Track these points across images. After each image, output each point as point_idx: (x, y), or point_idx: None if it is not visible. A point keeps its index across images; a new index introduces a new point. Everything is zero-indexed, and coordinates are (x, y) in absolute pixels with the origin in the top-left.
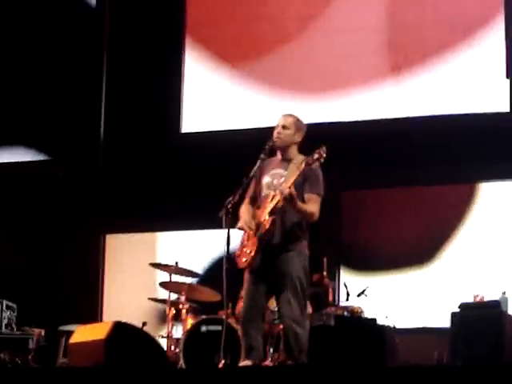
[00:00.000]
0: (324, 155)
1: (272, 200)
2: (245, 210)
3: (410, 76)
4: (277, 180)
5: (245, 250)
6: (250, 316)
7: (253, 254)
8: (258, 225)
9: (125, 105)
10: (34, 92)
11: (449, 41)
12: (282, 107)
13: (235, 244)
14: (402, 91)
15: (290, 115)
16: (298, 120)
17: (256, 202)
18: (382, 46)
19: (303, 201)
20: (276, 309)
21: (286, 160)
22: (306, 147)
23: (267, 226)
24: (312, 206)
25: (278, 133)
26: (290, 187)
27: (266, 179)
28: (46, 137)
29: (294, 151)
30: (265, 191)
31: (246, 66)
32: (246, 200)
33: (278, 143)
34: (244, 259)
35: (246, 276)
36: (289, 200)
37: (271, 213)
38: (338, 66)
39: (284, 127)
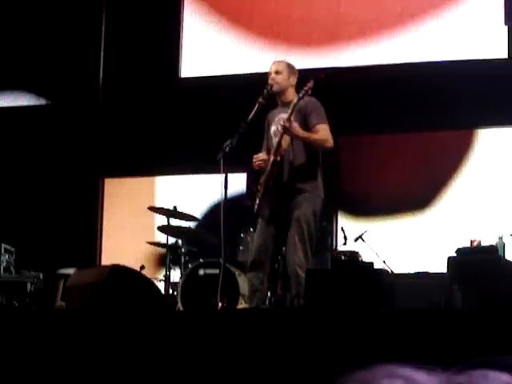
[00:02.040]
0: (311, 87)
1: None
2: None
3: (409, 23)
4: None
5: (258, 194)
6: (259, 259)
7: (258, 199)
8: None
9: (124, 50)
10: (34, 35)
11: None
12: (281, 53)
13: (233, 188)
14: (402, 38)
15: (281, 61)
16: (289, 64)
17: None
18: None
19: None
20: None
21: (286, 104)
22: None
23: (268, 168)
24: (322, 133)
25: (272, 79)
26: (288, 119)
27: (273, 128)
28: (45, 81)
29: (291, 94)
30: (274, 139)
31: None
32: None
33: (274, 88)
34: (256, 204)
35: (259, 220)
36: (288, 129)
37: (274, 154)
38: (336, 13)
39: (277, 72)
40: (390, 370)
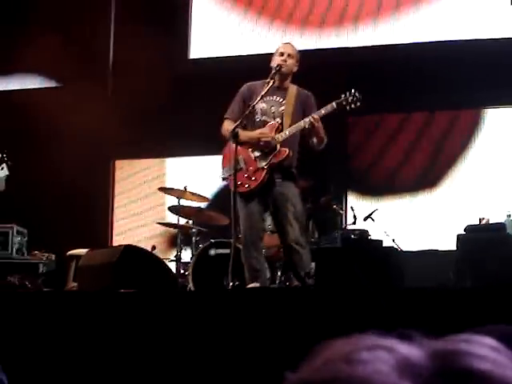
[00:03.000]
0: (359, 96)
1: (278, 129)
2: (241, 131)
3: (416, 3)
4: (275, 108)
5: (245, 175)
6: (251, 238)
7: (259, 181)
8: (267, 150)
9: (134, 31)
10: (43, 18)
11: None
12: (292, 34)
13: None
14: (410, 18)
15: (292, 45)
16: (297, 51)
17: (240, 123)
18: None
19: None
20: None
21: (282, 89)
22: (315, 74)
23: (283, 156)
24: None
25: (284, 60)
26: (315, 120)
27: (260, 105)
28: (56, 64)
29: (289, 80)
30: (260, 117)
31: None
32: (232, 121)
33: (284, 69)
34: (246, 185)
35: (241, 199)
36: (316, 132)
37: (283, 145)
38: None
39: (290, 56)
40: (370, 340)
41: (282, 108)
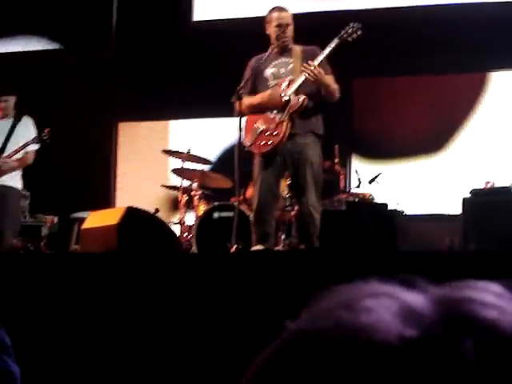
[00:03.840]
0: (358, 25)
1: (290, 84)
2: (250, 98)
3: None
4: (284, 69)
5: (267, 133)
6: (266, 201)
7: (282, 134)
8: (282, 105)
9: None
10: None
11: None
12: None
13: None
14: None
15: (284, 9)
16: (289, 12)
17: (245, 86)
18: None
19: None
20: (288, 195)
21: (287, 51)
22: (322, 36)
23: (298, 103)
24: (334, 84)
25: (285, 32)
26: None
27: (269, 71)
28: (58, 26)
29: (292, 41)
30: (272, 82)
31: None
32: (245, 97)
33: (289, 42)
34: (270, 141)
35: (259, 160)
36: (317, 80)
37: (297, 93)
38: None
39: (288, 24)
40: (372, 287)
41: (290, 66)
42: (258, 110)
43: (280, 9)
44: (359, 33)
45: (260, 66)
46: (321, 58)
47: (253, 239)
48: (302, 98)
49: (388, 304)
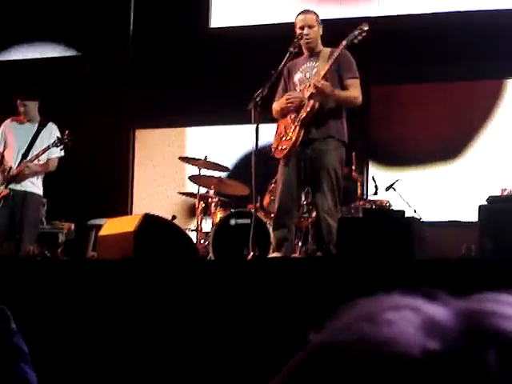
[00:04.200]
0: (365, 29)
1: (308, 88)
2: (278, 103)
3: None
4: (309, 73)
5: (284, 138)
6: (286, 206)
7: (294, 140)
8: (299, 109)
9: (154, 0)
10: None
11: None
12: (311, 3)
13: (264, 138)
14: None
15: (309, 12)
16: (317, 15)
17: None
18: None
19: (342, 88)
20: (305, 202)
21: (315, 54)
22: (337, 43)
23: (308, 109)
24: (353, 90)
25: (307, 34)
26: (322, 78)
27: (297, 76)
28: (76, 32)
29: (319, 45)
30: (299, 87)
31: None
32: (276, 102)
33: (311, 44)
34: (284, 146)
35: (282, 166)
36: (321, 91)
37: (309, 98)
38: None
39: (310, 26)
40: (395, 300)
41: (315, 70)
42: (284, 113)
43: (305, 11)
44: (364, 34)
45: (290, 72)
46: (323, 71)
47: (271, 246)
48: (313, 103)
49: (410, 317)
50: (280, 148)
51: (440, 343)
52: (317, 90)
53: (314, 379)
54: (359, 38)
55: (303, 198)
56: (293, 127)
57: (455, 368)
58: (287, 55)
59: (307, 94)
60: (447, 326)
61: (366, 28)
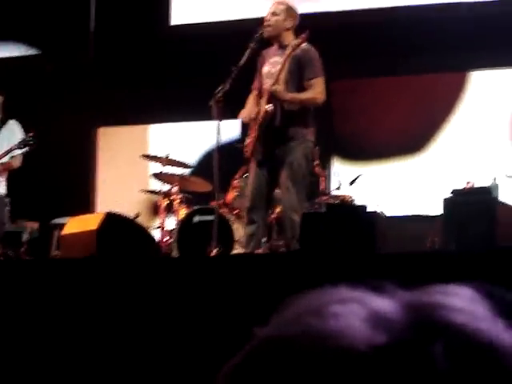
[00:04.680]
0: (306, 38)
1: (266, 93)
2: (249, 101)
3: None
4: (274, 68)
5: (249, 140)
6: (254, 203)
7: (252, 142)
8: (258, 114)
9: None
10: None
11: None
12: None
13: (226, 134)
14: None
15: (282, 2)
16: (289, 6)
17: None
18: None
19: (300, 88)
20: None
21: (283, 47)
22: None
23: (262, 115)
24: (313, 90)
25: (267, 20)
26: (276, 82)
27: (265, 69)
28: (37, 31)
29: (288, 37)
30: (266, 80)
31: None
32: (254, 92)
33: (267, 32)
34: (246, 148)
35: (251, 164)
36: (276, 97)
37: (268, 102)
38: None
39: (273, 14)
40: (341, 292)
41: (278, 68)
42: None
43: (276, 1)
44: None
45: (263, 61)
46: (282, 74)
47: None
48: (269, 108)
49: (356, 310)
50: (246, 149)
51: (386, 336)
52: (272, 96)
53: (258, 372)
54: (307, 46)
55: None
56: (253, 131)
57: (401, 360)
58: (247, 51)
59: (264, 101)
60: (394, 318)
61: (306, 36)
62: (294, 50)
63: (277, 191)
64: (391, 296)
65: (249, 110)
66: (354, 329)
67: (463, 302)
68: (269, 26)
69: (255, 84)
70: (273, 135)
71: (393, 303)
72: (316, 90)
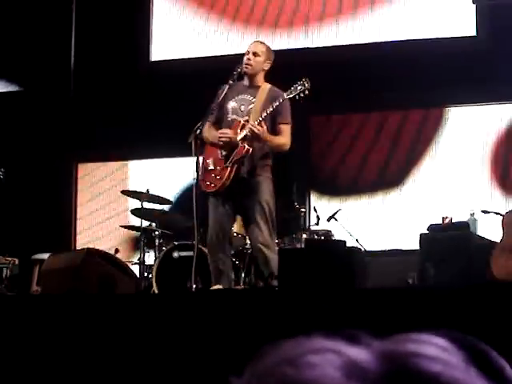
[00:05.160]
0: (307, 86)
1: (243, 129)
2: (210, 131)
3: (377, 2)
4: (244, 106)
5: (212, 174)
6: (217, 240)
7: (224, 179)
8: (232, 148)
9: (95, 34)
10: (3, 22)
11: None
12: (251, 36)
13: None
14: (371, 17)
15: (262, 42)
16: (269, 48)
17: (218, 125)
18: None
19: (274, 132)
20: (246, 234)
21: (254, 87)
22: (277, 74)
23: (243, 152)
24: (284, 137)
25: (249, 59)
26: (259, 124)
27: (231, 104)
28: (17, 68)
29: (261, 78)
30: (231, 116)
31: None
32: (209, 123)
33: (248, 70)
34: (212, 184)
35: (211, 200)
36: (257, 136)
37: (243, 140)
38: None
39: (255, 54)
40: (317, 342)
41: (251, 106)
42: (213, 144)
43: (257, 41)
44: (307, 93)
45: (227, 94)
46: (263, 115)
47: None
48: (246, 148)
49: (332, 359)
50: (208, 183)
51: None
52: (252, 135)
53: None
54: (301, 95)
55: (244, 231)
56: (223, 166)
57: None
58: (226, 87)
59: (241, 135)
60: (368, 368)
61: (307, 85)
62: (293, 96)
63: (239, 228)
64: (366, 345)
65: (215, 135)
66: (330, 378)
67: (437, 351)
68: (250, 65)
69: (211, 117)
70: (239, 173)
71: (368, 352)
72: (288, 137)
